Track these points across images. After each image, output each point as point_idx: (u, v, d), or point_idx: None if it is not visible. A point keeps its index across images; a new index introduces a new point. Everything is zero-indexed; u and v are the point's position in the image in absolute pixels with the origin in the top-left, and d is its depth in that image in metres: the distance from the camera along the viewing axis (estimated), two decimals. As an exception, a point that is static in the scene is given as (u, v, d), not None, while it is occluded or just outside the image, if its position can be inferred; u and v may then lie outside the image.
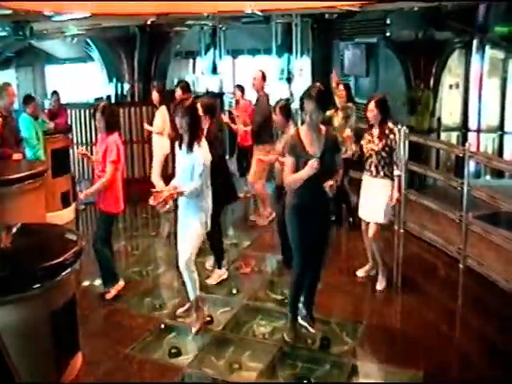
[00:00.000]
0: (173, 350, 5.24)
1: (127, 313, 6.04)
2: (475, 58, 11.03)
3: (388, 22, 11.90)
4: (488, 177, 10.49)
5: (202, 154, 5.31)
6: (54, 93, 11.19)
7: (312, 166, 4.81)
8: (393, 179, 6.21)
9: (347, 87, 8.51)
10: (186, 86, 8.74)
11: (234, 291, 6.46)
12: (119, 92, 12.20)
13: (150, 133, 9.83)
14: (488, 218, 6.97)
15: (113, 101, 12.08)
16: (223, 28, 16.21)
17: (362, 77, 13.17)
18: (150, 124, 9.68)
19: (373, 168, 6.29)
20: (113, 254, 6.58)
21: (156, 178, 9.30)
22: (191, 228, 5.39)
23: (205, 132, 6.27)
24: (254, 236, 8.29)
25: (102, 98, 12.62)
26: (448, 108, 11.22)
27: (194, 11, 10.64)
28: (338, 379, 4.84)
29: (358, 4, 9.81)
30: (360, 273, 6.70)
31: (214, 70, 17.18)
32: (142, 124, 10.84)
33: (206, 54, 17.43)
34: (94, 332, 5.52)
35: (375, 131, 6.29)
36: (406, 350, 5.24)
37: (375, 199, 6.26)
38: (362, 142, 6.41)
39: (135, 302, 6.32)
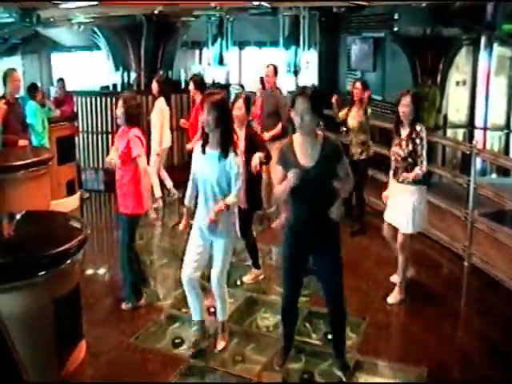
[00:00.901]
0: (176, 341, 5.26)
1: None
2: (483, 55, 10.97)
3: (396, 16, 11.85)
4: (494, 175, 10.47)
5: (238, 159, 4.72)
6: (60, 80, 11.19)
7: (289, 179, 4.21)
8: (421, 184, 5.74)
9: (364, 85, 7.82)
10: (199, 81, 8.41)
11: (238, 283, 6.46)
12: (125, 81, 12.17)
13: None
14: (493, 215, 6.95)
15: (119, 89, 12.06)
16: (230, 19, 16.18)
17: (368, 71, 13.12)
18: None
19: (399, 173, 5.79)
20: (138, 264, 6.21)
21: (153, 176, 8.74)
22: (224, 243, 4.90)
23: None
24: (260, 228, 8.27)
25: (107, 86, 12.61)
26: (455, 105, 11.18)
27: (202, 1, 10.62)
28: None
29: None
30: (393, 278, 6.24)
31: (221, 61, 17.15)
32: (148, 113, 10.82)
33: (212, 44, 17.39)
34: (97, 321, 5.52)
35: (404, 132, 5.74)
36: (408, 348, 5.24)
37: (402, 207, 5.75)
38: (392, 147, 5.88)
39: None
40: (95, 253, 7.29)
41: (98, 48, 13.16)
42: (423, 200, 5.81)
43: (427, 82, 11.02)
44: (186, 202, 5.10)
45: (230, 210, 4.82)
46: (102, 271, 7.14)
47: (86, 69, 15.59)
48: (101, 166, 10.83)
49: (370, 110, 7.76)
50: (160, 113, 8.99)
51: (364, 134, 7.70)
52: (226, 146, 4.67)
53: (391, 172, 5.99)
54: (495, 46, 10.88)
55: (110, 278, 6.96)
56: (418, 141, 5.60)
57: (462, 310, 6.02)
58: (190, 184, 5.00)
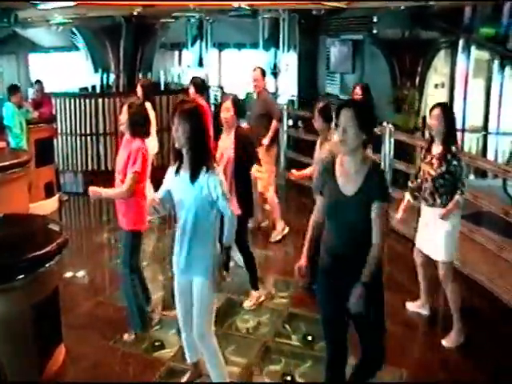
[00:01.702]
0: (156, 343, 5.24)
1: (111, 305, 6.01)
2: (461, 58, 11.11)
3: (375, 19, 11.94)
4: (472, 177, 10.58)
5: (216, 179, 3.97)
6: (38, 82, 11.10)
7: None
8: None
9: (366, 89, 7.35)
10: (200, 83, 8.10)
11: (218, 285, 6.44)
12: (104, 82, 12.12)
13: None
14: (471, 217, 7.01)
15: (98, 91, 12.01)
16: (210, 21, 16.17)
17: (347, 73, 13.19)
18: None
19: (427, 195, 5.22)
20: (145, 286, 5.66)
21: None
22: (200, 286, 4.12)
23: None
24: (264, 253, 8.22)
25: (86, 87, 12.54)
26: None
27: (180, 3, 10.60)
28: (321, 375, 4.84)
29: (345, 1, 9.83)
30: (410, 307, 5.86)
31: (200, 63, 17.12)
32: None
33: (192, 46, 17.36)
34: (77, 324, 5.48)
35: (435, 149, 5.15)
36: (388, 349, 5.26)
37: (434, 233, 5.20)
38: (422, 164, 5.31)
39: (119, 294, 6.26)
40: (74, 256, 7.22)
41: (77, 49, 13.10)
42: (458, 224, 5.32)
43: (406, 85, 11.11)
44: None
45: (206, 242, 4.09)
46: (81, 274, 7.09)
47: (65, 70, 15.49)
48: (80, 168, 10.77)
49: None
50: None
51: None
52: (197, 165, 3.95)
53: (410, 187, 5.48)
54: (473, 49, 11.02)
55: (89, 281, 6.93)
56: (455, 162, 4.98)
57: (440, 311, 6.05)
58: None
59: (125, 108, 5.16)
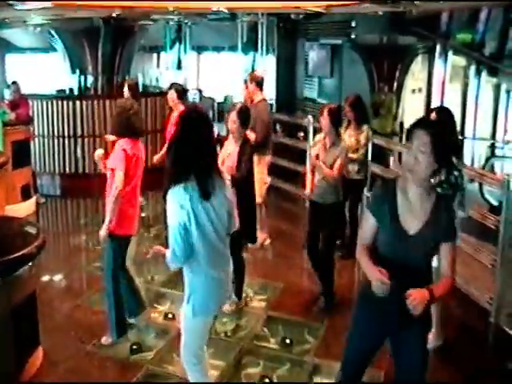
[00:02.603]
0: (134, 347, 5.22)
1: (88, 309, 5.99)
2: (438, 63, 11.20)
3: (353, 24, 12.00)
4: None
5: (172, 195, 3.51)
6: (14, 83, 10.97)
7: (378, 286, 3.07)
8: None
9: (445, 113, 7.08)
10: (180, 90, 7.75)
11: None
12: (82, 84, 12.05)
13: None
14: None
15: (76, 93, 11.94)
16: (189, 23, 16.15)
17: (326, 78, 13.26)
18: None
19: None
20: (133, 289, 5.46)
21: None
22: (183, 312, 3.82)
23: None
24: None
25: (64, 89, 12.46)
26: (410, 112, 11.38)
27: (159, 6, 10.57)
28: (300, 378, 4.88)
29: (323, 6, 9.87)
30: None
31: (179, 66, 17.09)
32: (105, 117, 10.73)
33: (170, 49, 17.32)
34: (54, 328, 5.46)
35: None
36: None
37: None
38: None
39: (96, 298, 6.25)
40: (51, 259, 7.18)
41: (54, 50, 12.99)
42: None
43: (383, 89, 11.19)
44: None
45: (189, 277, 3.70)
46: (58, 278, 7.05)
47: (42, 71, 15.36)
48: (57, 170, 10.69)
49: (366, 129, 7.37)
50: None
51: (361, 153, 7.37)
52: (169, 179, 3.54)
53: None
54: (450, 54, 11.12)
55: (66, 284, 6.89)
56: (456, 172, 4.77)
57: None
58: None
59: (115, 112, 5.15)
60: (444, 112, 5.31)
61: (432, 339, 5.20)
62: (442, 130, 3.24)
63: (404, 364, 3.46)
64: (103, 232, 5.04)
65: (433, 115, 5.21)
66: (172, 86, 7.88)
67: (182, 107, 7.33)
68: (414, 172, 3.10)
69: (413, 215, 3.17)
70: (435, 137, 3.04)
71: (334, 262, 6.17)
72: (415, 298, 3.00)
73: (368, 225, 3.33)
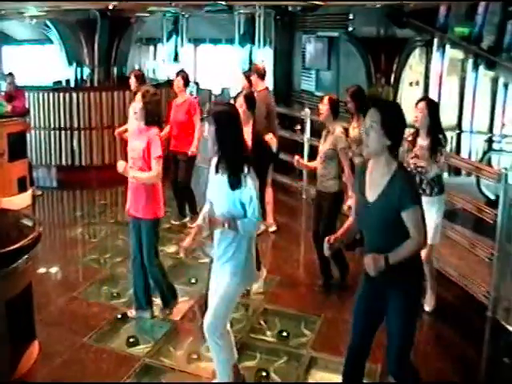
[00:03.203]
0: (131, 340, 5.21)
1: (84, 301, 5.98)
2: (435, 56, 11.17)
3: (351, 16, 11.97)
4: (445, 174, 10.66)
5: (251, 182, 3.89)
6: (9, 75, 10.92)
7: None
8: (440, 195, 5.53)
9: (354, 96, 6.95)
10: (186, 77, 8.10)
11: (193, 280, 6.44)
12: (79, 76, 11.99)
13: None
14: (445, 214, 7.06)
15: (72, 85, 11.89)
16: (186, 16, 16.10)
17: (323, 70, 13.22)
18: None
19: (425, 186, 5.43)
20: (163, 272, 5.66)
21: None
22: (225, 282, 4.09)
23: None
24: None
25: (60, 81, 12.40)
26: (408, 105, 11.31)
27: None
28: (296, 371, 4.88)
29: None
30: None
31: (176, 58, 17.05)
32: (101, 109, 10.69)
33: (167, 41, 17.28)
34: (50, 321, 5.45)
35: (420, 141, 5.38)
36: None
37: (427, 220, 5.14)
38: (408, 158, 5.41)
39: (92, 290, 6.26)
40: (47, 251, 7.17)
41: (51, 42, 12.93)
42: (442, 209, 5.64)
43: (381, 82, 11.16)
44: (199, 220, 4.33)
45: (237, 250, 4.03)
46: (54, 270, 7.04)
47: (38, 63, 15.31)
48: (53, 163, 10.66)
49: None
50: None
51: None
52: (236, 171, 3.89)
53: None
54: (447, 47, 11.09)
55: (62, 276, 6.88)
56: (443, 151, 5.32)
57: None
58: (206, 204, 4.26)
59: (138, 97, 5.19)
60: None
61: (428, 302, 5.63)
62: (391, 109, 3.63)
63: (389, 324, 3.73)
64: (129, 173, 5.20)
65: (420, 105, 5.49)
66: (179, 73, 8.25)
67: (186, 94, 8.06)
68: (367, 146, 3.50)
69: (373, 186, 3.53)
70: (384, 114, 3.43)
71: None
72: (367, 262, 3.44)
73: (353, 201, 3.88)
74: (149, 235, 5.37)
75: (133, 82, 8.36)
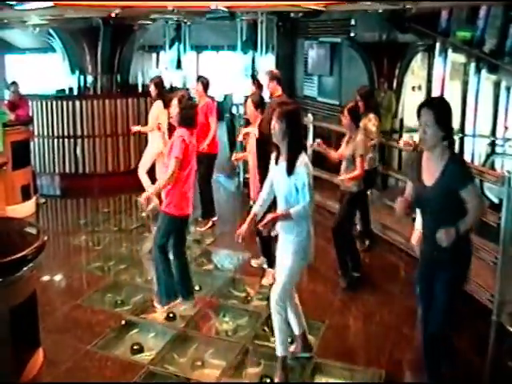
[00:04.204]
0: (135, 347, 5.21)
1: (88, 309, 5.97)
2: (438, 61, 11.20)
3: (353, 22, 12.00)
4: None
5: (305, 170, 4.46)
6: (13, 83, 10.96)
7: (396, 206, 4.15)
8: None
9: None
10: (206, 83, 8.45)
11: (197, 288, 6.43)
12: (81, 84, 12.03)
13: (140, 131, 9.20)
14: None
15: (75, 93, 11.92)
16: (188, 23, 16.14)
17: (325, 76, 13.24)
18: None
19: None
20: (188, 274, 5.98)
21: (143, 174, 8.74)
22: (290, 259, 4.59)
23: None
24: (217, 233, 8.29)
25: (63, 89, 12.44)
26: (410, 109, 11.35)
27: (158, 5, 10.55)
28: (301, 377, 4.87)
29: (323, 4, 9.85)
30: None
31: (178, 65, 17.09)
32: (104, 117, 10.72)
33: (170, 48, 17.32)
34: (54, 328, 5.44)
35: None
36: (367, 350, 5.30)
37: None
38: None
39: (96, 297, 6.26)
40: (52, 259, 7.18)
41: (54, 50, 12.97)
42: None
43: (383, 87, 11.17)
44: (255, 208, 4.83)
45: (299, 228, 4.55)
46: (58, 278, 7.05)
47: (41, 71, 15.35)
48: (57, 171, 10.68)
49: (373, 116, 7.56)
50: (156, 117, 8.64)
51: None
52: (293, 159, 4.48)
53: None
54: (449, 52, 11.11)
55: (66, 284, 6.88)
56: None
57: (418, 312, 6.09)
58: (264, 189, 4.85)
59: (175, 102, 5.57)
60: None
61: None
62: (440, 104, 4.07)
63: (433, 303, 4.15)
64: (146, 195, 5.68)
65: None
66: (199, 78, 8.64)
67: (207, 98, 8.37)
68: (424, 141, 3.96)
69: (429, 173, 3.98)
70: (435, 110, 3.88)
71: (349, 242, 6.65)
72: (439, 237, 3.85)
73: (408, 186, 4.27)
74: (158, 226, 5.79)
75: (152, 89, 8.63)
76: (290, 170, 4.48)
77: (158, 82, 8.77)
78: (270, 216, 4.52)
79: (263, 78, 7.73)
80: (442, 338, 4.19)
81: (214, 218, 8.45)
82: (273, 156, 4.71)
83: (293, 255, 4.57)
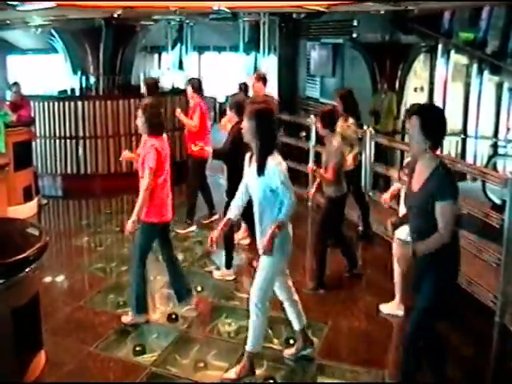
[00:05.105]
0: (137, 348, 5.21)
1: (91, 310, 5.97)
2: (440, 62, 11.21)
3: (355, 23, 12.00)
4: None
5: (277, 170, 4.37)
6: (15, 84, 10.96)
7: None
8: None
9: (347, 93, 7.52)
10: (196, 84, 8.25)
11: (199, 289, 6.43)
12: (84, 85, 12.03)
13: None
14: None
15: (77, 94, 11.92)
16: (190, 24, 16.15)
17: (328, 77, 13.25)
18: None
19: None
20: (177, 273, 5.93)
21: None
22: (267, 260, 4.53)
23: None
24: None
25: (65, 90, 12.45)
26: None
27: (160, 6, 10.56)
28: (303, 378, 4.86)
29: (325, 4, 9.86)
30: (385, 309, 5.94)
31: (180, 66, 17.09)
32: (106, 118, 10.71)
33: (172, 49, 17.33)
34: (56, 330, 5.44)
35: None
36: (369, 351, 5.28)
37: None
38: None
39: (98, 299, 6.25)
40: (54, 260, 7.18)
41: (56, 51, 12.99)
42: None
43: (385, 88, 11.17)
44: (230, 214, 4.77)
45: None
46: (60, 279, 7.04)
47: (44, 72, 15.36)
48: (59, 171, 10.68)
49: (351, 122, 7.47)
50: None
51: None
52: (263, 159, 4.40)
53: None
54: (452, 53, 11.12)
55: (68, 285, 6.88)
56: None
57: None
58: (237, 194, 4.79)
59: (139, 111, 5.46)
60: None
61: (395, 307, 5.79)
62: (430, 112, 4.03)
63: (416, 303, 4.18)
64: (132, 220, 5.40)
65: None
66: (189, 81, 8.49)
67: (198, 99, 8.16)
68: (411, 148, 4.03)
69: (418, 179, 3.98)
70: (423, 118, 3.84)
71: (322, 249, 6.48)
72: (415, 245, 3.97)
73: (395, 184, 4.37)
74: (139, 235, 5.62)
75: (144, 90, 8.67)
76: (260, 170, 4.41)
77: (149, 83, 8.80)
78: (268, 237, 4.36)
79: (249, 80, 7.80)
80: (417, 339, 4.16)
81: (215, 217, 8.43)
82: (247, 157, 4.65)
83: (274, 251, 4.46)
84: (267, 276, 4.57)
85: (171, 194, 5.70)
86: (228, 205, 5.20)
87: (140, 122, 5.46)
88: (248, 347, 4.70)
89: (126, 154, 6.14)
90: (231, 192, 5.67)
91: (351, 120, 7.43)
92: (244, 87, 8.82)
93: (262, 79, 7.87)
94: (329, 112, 6.33)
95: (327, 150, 6.28)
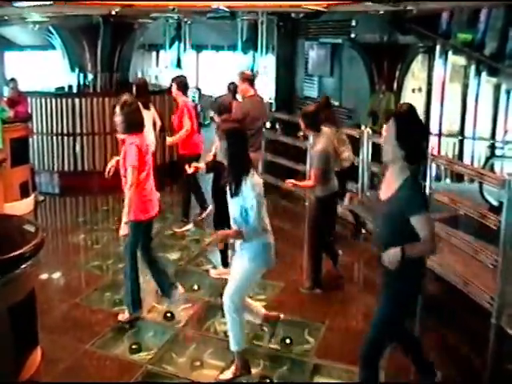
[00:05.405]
0: (134, 346, 5.20)
1: (87, 308, 5.97)
2: (438, 63, 11.20)
3: (353, 23, 12.00)
4: (448, 180, 10.67)
5: (251, 193, 4.34)
6: (12, 80, 10.92)
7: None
8: None
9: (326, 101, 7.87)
10: (182, 82, 8.26)
11: (196, 287, 6.42)
12: (81, 82, 12.00)
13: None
14: (448, 220, 7.05)
15: (75, 90, 11.89)
16: (188, 22, 16.13)
17: (325, 77, 13.24)
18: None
19: None
20: (159, 270, 5.95)
21: None
22: (244, 265, 4.60)
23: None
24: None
25: (63, 87, 12.41)
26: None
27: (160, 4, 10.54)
28: (300, 378, 4.86)
29: (324, 4, 9.85)
30: None
31: (178, 64, 17.08)
32: (103, 115, 10.68)
33: (170, 47, 17.32)
34: (53, 327, 5.42)
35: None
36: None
37: None
38: None
39: (95, 296, 6.25)
40: (50, 257, 7.16)
41: (53, 48, 12.94)
42: None
43: (383, 89, 11.17)
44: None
45: (254, 242, 4.51)
46: (57, 276, 7.02)
47: (41, 69, 15.33)
48: (56, 168, 10.65)
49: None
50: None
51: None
52: (235, 181, 4.40)
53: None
54: (450, 54, 11.12)
55: (65, 282, 6.86)
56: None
57: (419, 312, 6.08)
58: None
59: (117, 109, 5.37)
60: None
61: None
62: (407, 121, 3.83)
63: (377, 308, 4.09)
64: (124, 222, 5.36)
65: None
66: (173, 79, 8.43)
67: (182, 98, 8.15)
68: (383, 155, 3.79)
69: (387, 188, 3.81)
70: (398, 126, 3.66)
71: (317, 249, 6.44)
72: (388, 253, 3.64)
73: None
74: (129, 234, 5.51)
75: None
76: (233, 191, 4.44)
77: (139, 84, 8.78)
78: (222, 232, 4.68)
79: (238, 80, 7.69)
80: (373, 343, 4.05)
81: (209, 209, 8.37)
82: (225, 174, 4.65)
83: (248, 261, 4.56)
84: (240, 284, 4.61)
85: (155, 188, 5.72)
86: (217, 213, 5.40)
87: (118, 120, 5.37)
88: (233, 347, 4.71)
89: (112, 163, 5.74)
90: (216, 194, 5.96)
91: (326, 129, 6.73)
92: (233, 88, 8.66)
93: (248, 80, 7.61)
94: (311, 112, 6.20)
95: (311, 152, 6.21)
